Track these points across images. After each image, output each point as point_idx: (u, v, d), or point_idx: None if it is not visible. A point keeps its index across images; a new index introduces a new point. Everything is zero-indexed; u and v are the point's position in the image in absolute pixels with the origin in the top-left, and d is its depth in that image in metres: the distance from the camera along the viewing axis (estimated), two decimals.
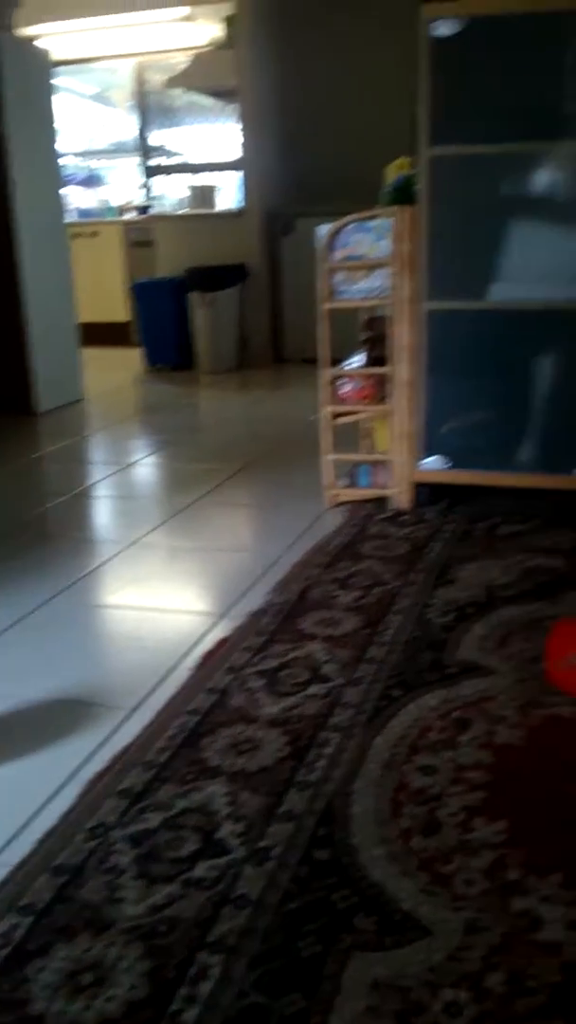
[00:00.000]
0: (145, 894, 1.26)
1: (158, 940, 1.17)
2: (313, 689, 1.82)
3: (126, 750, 1.63)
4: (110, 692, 1.87)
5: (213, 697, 1.80)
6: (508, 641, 2.00)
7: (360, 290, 2.89)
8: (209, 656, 2.00)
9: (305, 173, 6.49)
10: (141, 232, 7.38)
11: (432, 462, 2.89)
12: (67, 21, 6.94)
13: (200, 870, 1.30)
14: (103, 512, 3.22)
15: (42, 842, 1.38)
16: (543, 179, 2.63)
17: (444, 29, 2.54)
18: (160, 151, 8.03)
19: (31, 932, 1.20)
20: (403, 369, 2.84)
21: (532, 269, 2.69)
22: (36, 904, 1.25)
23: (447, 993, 1.08)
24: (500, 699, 1.75)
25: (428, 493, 2.98)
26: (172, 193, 8.02)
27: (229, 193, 7.05)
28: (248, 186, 6.17)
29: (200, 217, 6.56)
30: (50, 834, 1.40)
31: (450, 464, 2.88)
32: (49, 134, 4.93)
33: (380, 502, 3.01)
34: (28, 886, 1.28)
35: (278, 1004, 1.07)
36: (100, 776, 1.55)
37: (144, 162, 8.05)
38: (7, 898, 1.26)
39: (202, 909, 1.23)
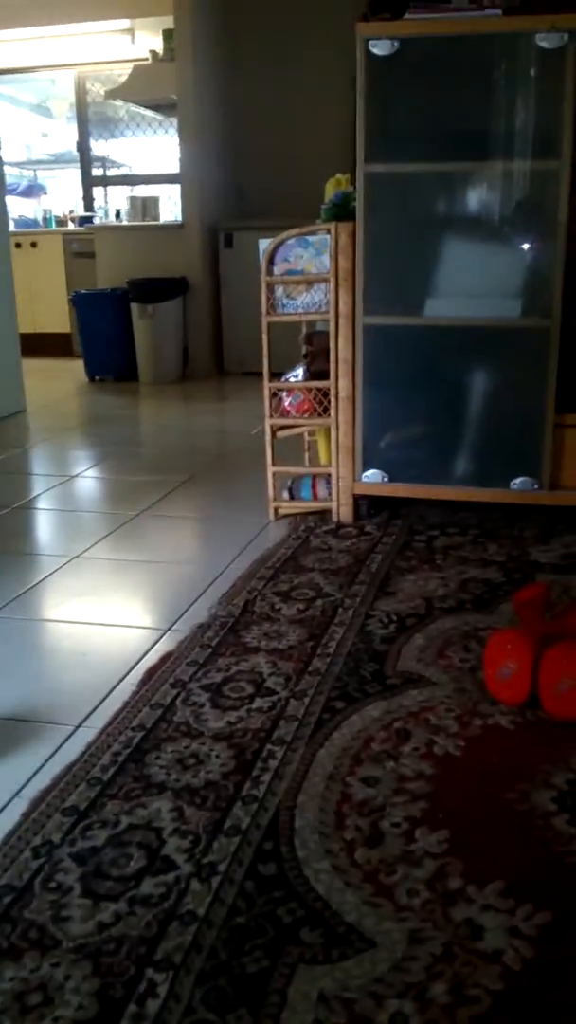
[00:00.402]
0: (91, 912, 1.26)
1: (105, 959, 1.18)
2: (258, 703, 1.83)
3: (70, 767, 1.62)
4: (53, 709, 1.86)
5: (158, 712, 1.81)
6: (447, 651, 2.04)
7: (300, 304, 2.92)
8: (153, 671, 2.00)
9: (246, 187, 6.53)
10: (82, 243, 7.35)
11: (371, 475, 2.92)
12: (7, 30, 6.89)
13: (146, 887, 1.31)
14: (45, 525, 3.20)
15: None
16: (474, 198, 2.69)
17: (380, 49, 2.59)
18: (102, 162, 8.01)
19: None
20: (343, 383, 2.87)
21: (463, 286, 2.75)
22: None
23: (392, 1004, 1.10)
24: (439, 709, 1.79)
25: (368, 505, 3.02)
26: (114, 204, 8.00)
27: (174, 205, 7.06)
28: (187, 199, 6.18)
29: (141, 229, 6.56)
30: None
31: (387, 478, 2.92)
32: None
33: (322, 515, 3.04)
34: None
35: (226, 1020, 1.08)
36: (44, 794, 1.55)
37: (85, 173, 8.02)
38: None
39: (149, 926, 1.23)
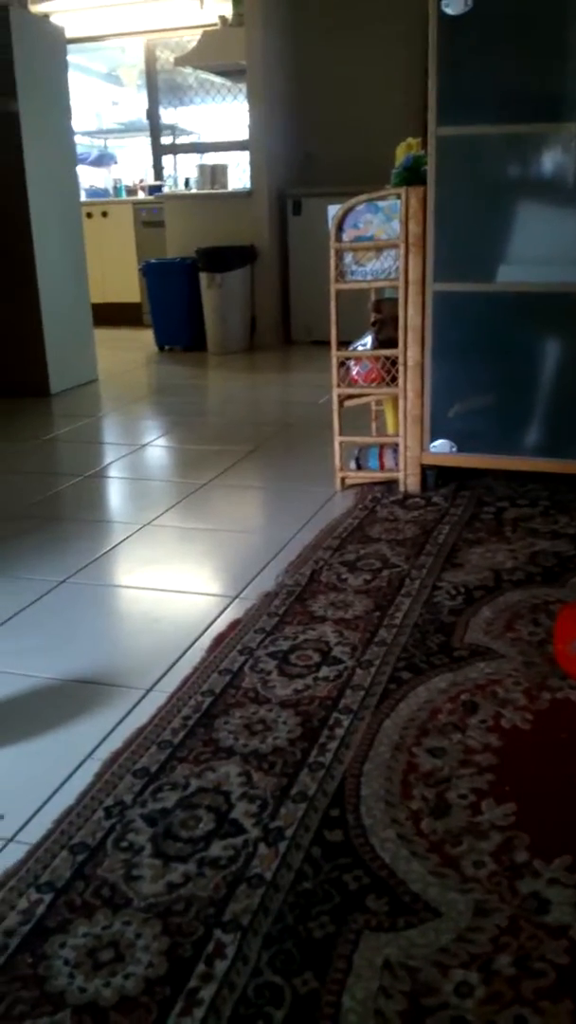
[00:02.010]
0: (162, 872, 1.29)
1: (175, 918, 1.20)
2: (324, 671, 1.84)
3: (141, 730, 1.66)
4: (125, 673, 1.90)
5: (226, 678, 1.83)
6: (515, 624, 2.02)
7: (369, 271, 2.89)
8: (222, 637, 2.02)
9: (314, 153, 6.47)
10: (152, 212, 7.37)
11: (439, 445, 2.90)
12: None
13: (215, 849, 1.33)
14: (116, 493, 3.25)
15: (60, 821, 1.41)
16: (552, 161, 2.62)
17: (452, 8, 2.53)
18: (171, 130, 8.00)
19: (51, 909, 1.23)
20: (411, 351, 2.84)
21: (539, 251, 2.69)
22: (55, 882, 1.28)
23: (457, 974, 1.10)
24: (507, 682, 1.77)
25: (436, 476, 3.00)
26: (183, 173, 8.00)
27: (242, 173, 7.03)
28: (256, 166, 6.15)
29: (209, 197, 6.54)
30: (68, 813, 1.43)
31: (455, 448, 2.89)
32: (63, 113, 4.91)
33: (389, 485, 3.03)
34: (47, 864, 1.31)
35: (292, 983, 1.10)
36: (116, 756, 1.58)
37: (154, 141, 8.02)
38: (27, 876, 1.29)
39: (217, 888, 1.25)
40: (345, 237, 2.86)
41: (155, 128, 7.98)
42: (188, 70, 7.27)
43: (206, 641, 2.02)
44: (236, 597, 2.26)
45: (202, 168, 6.95)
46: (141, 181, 8.22)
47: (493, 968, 1.11)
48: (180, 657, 1.96)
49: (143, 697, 1.80)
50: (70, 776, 1.55)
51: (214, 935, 1.17)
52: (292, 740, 1.60)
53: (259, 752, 1.57)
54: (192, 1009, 1.07)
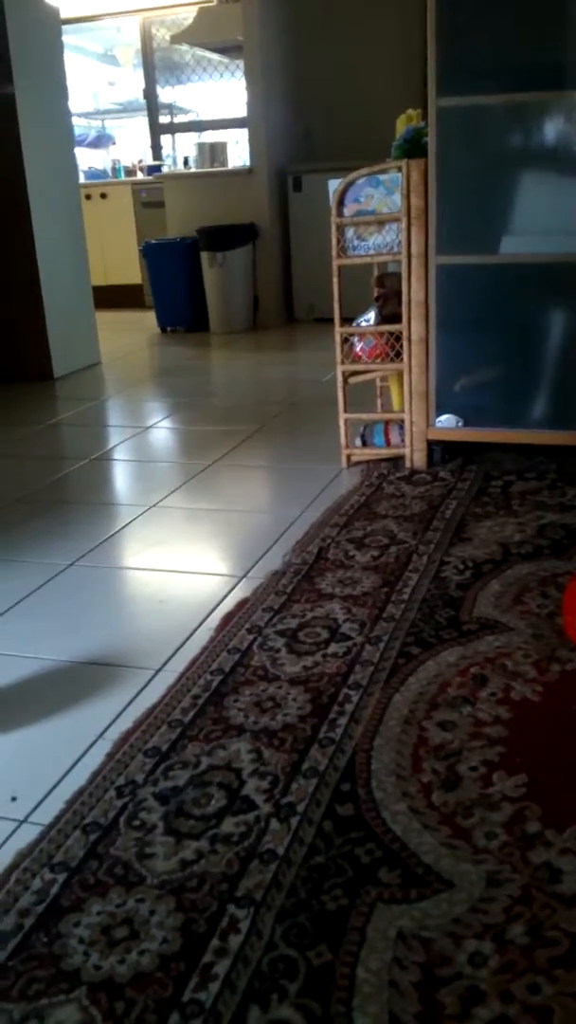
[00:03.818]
0: (174, 850, 1.29)
1: (188, 895, 1.21)
2: (333, 648, 1.84)
3: (152, 710, 1.66)
4: (134, 653, 1.90)
5: (235, 657, 1.83)
6: (524, 598, 2.01)
7: (371, 246, 2.87)
8: (230, 616, 2.02)
9: (314, 128, 6.42)
10: (152, 192, 7.33)
11: (445, 420, 2.88)
12: None
13: (227, 826, 1.33)
14: (122, 476, 3.24)
15: (72, 801, 1.42)
16: (554, 130, 2.60)
17: None
18: (169, 109, 7.94)
19: (65, 888, 1.23)
20: (415, 326, 2.83)
21: (542, 222, 2.67)
22: (69, 861, 1.29)
23: (471, 944, 1.11)
24: (517, 655, 1.77)
25: (442, 451, 2.99)
26: (182, 152, 7.95)
27: (242, 151, 6.98)
28: (255, 143, 6.10)
29: (209, 176, 6.50)
30: (80, 793, 1.44)
31: (461, 423, 2.87)
32: (60, 94, 4.88)
33: (395, 461, 3.02)
34: (60, 844, 1.32)
35: (306, 956, 1.10)
36: (127, 736, 1.59)
37: (152, 121, 7.97)
38: (41, 856, 1.30)
39: (230, 864, 1.26)
40: (346, 212, 2.84)
41: (153, 107, 7.92)
42: (185, 48, 7.22)
43: (214, 621, 2.02)
44: (244, 576, 2.26)
45: (201, 147, 6.90)
46: (140, 161, 8.17)
47: (506, 938, 1.11)
48: (189, 637, 1.96)
49: (153, 677, 1.80)
50: (81, 757, 1.55)
51: (228, 910, 1.18)
52: (302, 716, 1.61)
53: (269, 729, 1.57)
54: (207, 984, 1.07)
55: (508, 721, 1.56)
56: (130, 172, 8.12)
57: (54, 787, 1.47)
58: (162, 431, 3.80)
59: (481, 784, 1.40)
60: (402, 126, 2.93)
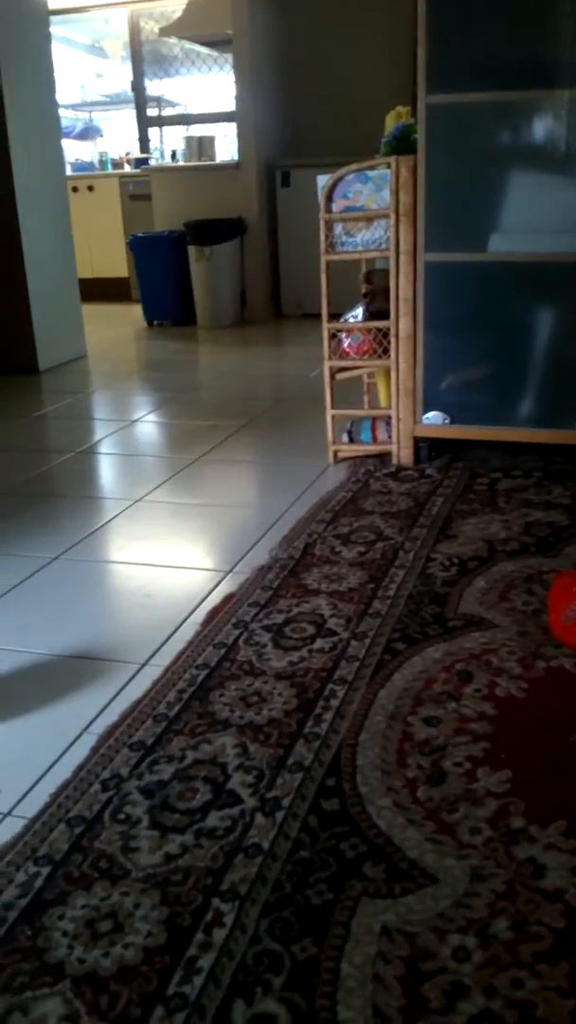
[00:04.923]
0: (159, 844, 1.29)
1: (173, 888, 1.21)
2: (319, 643, 1.84)
3: (137, 704, 1.66)
4: (120, 647, 1.90)
5: (221, 651, 1.83)
6: (509, 594, 2.02)
7: (359, 242, 2.87)
8: (216, 611, 2.02)
9: (303, 123, 6.41)
10: (138, 185, 7.30)
11: (432, 417, 2.89)
12: None
13: (212, 820, 1.33)
14: (107, 469, 3.23)
15: (57, 795, 1.42)
16: (543, 128, 2.60)
17: None
18: (157, 102, 7.91)
19: (49, 881, 1.23)
20: (403, 323, 2.83)
21: (531, 220, 2.67)
22: (53, 855, 1.28)
23: (454, 938, 1.11)
24: (502, 652, 1.78)
25: (429, 448, 2.99)
26: (170, 145, 7.92)
27: (230, 145, 6.97)
28: (243, 137, 6.08)
29: (197, 169, 6.48)
30: (65, 787, 1.43)
31: (448, 420, 2.88)
32: (47, 86, 4.85)
33: (382, 458, 3.02)
34: (45, 837, 1.32)
35: (291, 950, 1.10)
36: (112, 729, 1.58)
37: (140, 113, 7.94)
38: (25, 849, 1.30)
39: (215, 858, 1.26)
40: (335, 207, 2.84)
41: (140, 100, 7.89)
42: (173, 40, 7.19)
43: (200, 615, 2.02)
44: (230, 571, 2.25)
45: (189, 140, 6.88)
46: (127, 154, 8.14)
47: (490, 932, 1.12)
48: (174, 631, 1.95)
49: (138, 671, 1.80)
50: (66, 750, 1.55)
51: (212, 904, 1.18)
52: (288, 711, 1.61)
53: (255, 723, 1.57)
54: (192, 977, 1.07)
55: (493, 717, 1.56)
56: (117, 165, 8.09)
57: (38, 780, 1.47)
58: (148, 425, 3.79)
59: (466, 780, 1.40)
60: (391, 123, 2.93)
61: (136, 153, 8.03)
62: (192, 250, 6.06)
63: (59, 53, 7.00)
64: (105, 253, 7.60)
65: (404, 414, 2.92)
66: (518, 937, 1.11)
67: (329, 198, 2.83)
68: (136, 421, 3.84)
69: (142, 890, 1.21)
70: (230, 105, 6.38)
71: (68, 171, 6.15)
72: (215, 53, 7.25)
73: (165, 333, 6.18)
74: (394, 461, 2.98)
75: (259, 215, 6.17)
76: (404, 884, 1.20)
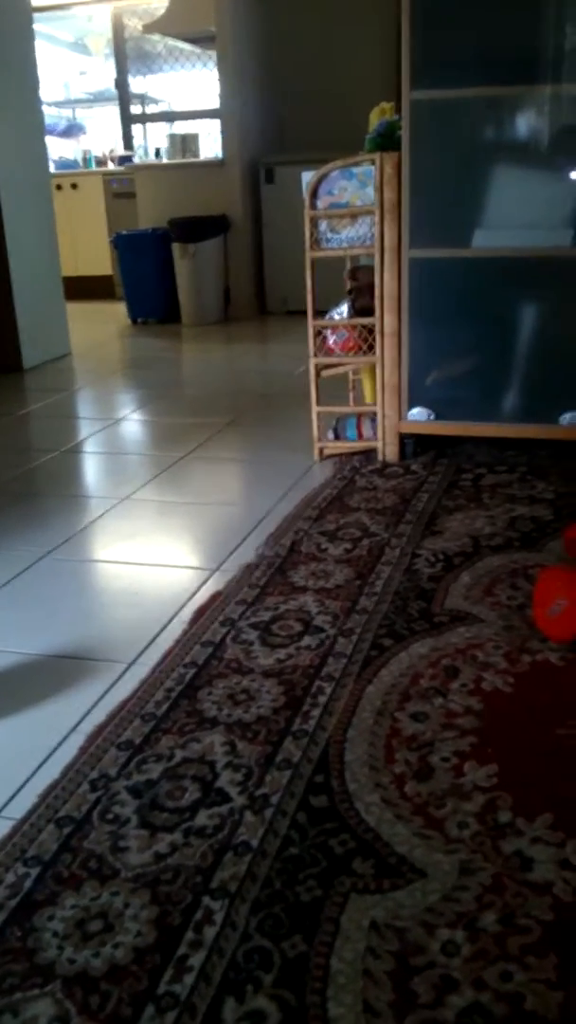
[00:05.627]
0: (148, 843, 1.29)
1: (163, 887, 1.21)
2: (306, 640, 1.85)
3: (125, 703, 1.66)
4: (107, 647, 1.90)
5: (208, 650, 1.83)
6: (494, 589, 2.03)
7: (344, 238, 2.87)
8: (203, 610, 2.02)
9: (287, 120, 6.40)
10: (122, 183, 7.28)
11: (417, 413, 2.90)
12: None
13: (201, 818, 1.34)
14: (92, 468, 3.23)
15: (45, 795, 1.41)
16: (526, 124, 2.61)
17: None
18: (140, 99, 7.88)
19: (38, 882, 1.23)
20: (388, 319, 2.83)
21: (515, 216, 2.68)
22: (42, 855, 1.28)
23: (443, 933, 1.12)
24: (488, 646, 1.79)
25: (414, 444, 3.00)
26: (154, 142, 7.90)
27: (213, 142, 6.95)
28: (227, 134, 6.08)
29: (181, 167, 6.47)
30: (53, 787, 1.43)
31: (433, 416, 2.89)
32: (30, 83, 4.83)
33: (367, 454, 3.03)
34: (34, 838, 1.32)
35: (281, 947, 1.11)
36: (100, 729, 1.58)
37: (124, 111, 7.91)
38: (13, 850, 1.29)
39: (204, 856, 1.26)
40: (320, 204, 2.84)
41: (124, 97, 7.86)
42: (157, 38, 7.17)
43: (187, 614, 2.02)
44: (216, 569, 2.26)
45: (173, 137, 6.86)
46: (111, 151, 8.11)
47: (479, 926, 1.12)
48: (162, 630, 1.95)
49: (125, 671, 1.80)
50: (54, 750, 1.54)
51: (202, 902, 1.18)
52: (276, 709, 1.61)
53: (243, 721, 1.58)
54: (182, 976, 1.08)
55: (479, 712, 1.57)
56: (101, 162, 8.06)
57: (27, 781, 1.46)
58: (133, 423, 3.78)
59: (453, 774, 1.41)
60: (376, 119, 2.93)
61: (120, 151, 8.01)
62: (176, 247, 6.05)
63: (42, 50, 6.96)
64: (89, 251, 7.58)
65: (389, 410, 2.93)
66: (506, 930, 1.11)
67: (314, 195, 2.83)
68: (121, 419, 3.83)
69: (132, 890, 1.21)
70: (214, 102, 6.37)
71: (52, 169, 6.12)
72: (199, 50, 7.24)
73: (149, 331, 6.17)
74: (380, 457, 2.98)
75: (243, 212, 6.17)
76: (393, 879, 1.20)
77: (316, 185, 2.82)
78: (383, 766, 1.44)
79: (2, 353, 4.81)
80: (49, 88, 8.05)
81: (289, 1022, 1.01)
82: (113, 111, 8.05)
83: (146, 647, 1.88)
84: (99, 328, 6.33)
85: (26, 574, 2.28)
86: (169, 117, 7.90)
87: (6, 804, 1.41)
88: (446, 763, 1.44)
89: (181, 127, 7.53)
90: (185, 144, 6.77)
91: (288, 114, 6.38)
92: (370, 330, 2.90)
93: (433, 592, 2.03)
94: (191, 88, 7.74)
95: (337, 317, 3.00)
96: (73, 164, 8.18)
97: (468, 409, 2.87)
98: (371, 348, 2.92)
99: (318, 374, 3.03)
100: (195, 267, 6.04)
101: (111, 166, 7.83)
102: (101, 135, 8.47)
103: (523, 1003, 1.02)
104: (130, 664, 1.82)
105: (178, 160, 6.66)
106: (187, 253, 6.00)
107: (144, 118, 7.95)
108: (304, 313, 3.00)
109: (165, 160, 6.96)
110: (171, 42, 7.23)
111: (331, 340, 3.01)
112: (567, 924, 1.12)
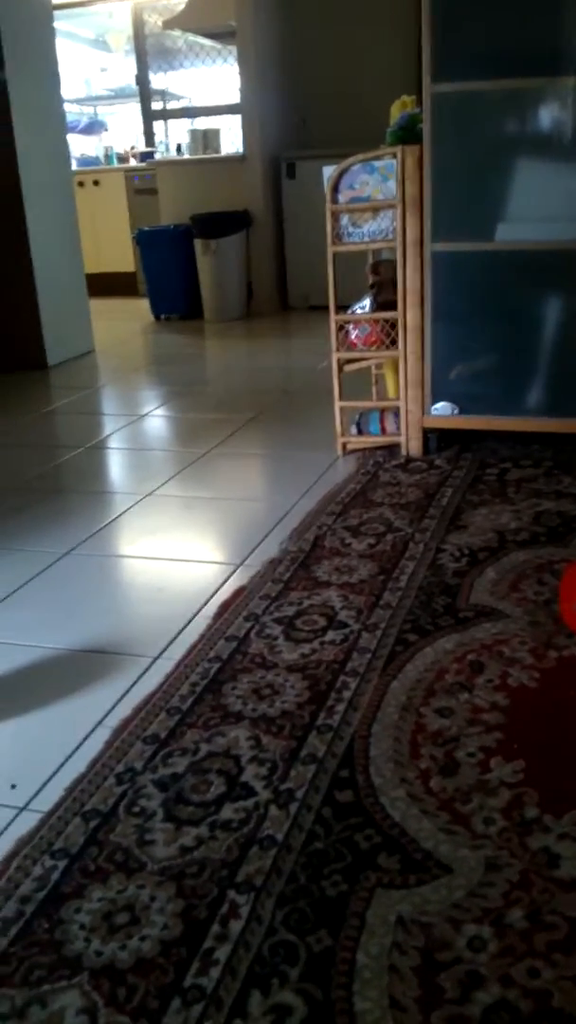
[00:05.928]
0: (174, 836, 1.30)
1: (189, 881, 1.21)
2: (330, 635, 1.85)
3: (150, 698, 1.66)
4: (132, 641, 1.90)
5: (233, 644, 1.84)
6: (520, 585, 2.02)
7: (366, 232, 2.86)
8: (227, 604, 2.02)
9: (308, 115, 6.38)
10: (144, 179, 7.29)
11: (441, 408, 2.88)
12: None
13: (227, 812, 1.34)
14: (117, 464, 3.24)
15: (72, 789, 1.42)
16: (549, 116, 2.59)
17: None
18: (161, 95, 7.89)
19: (65, 875, 1.24)
20: (411, 314, 2.82)
21: (539, 209, 2.66)
22: (69, 848, 1.29)
23: (470, 928, 1.11)
24: (514, 642, 1.78)
25: (438, 439, 2.99)
26: (175, 139, 7.91)
27: (235, 137, 6.95)
28: (248, 130, 6.07)
29: (202, 162, 6.47)
30: (80, 781, 1.44)
31: (457, 410, 2.87)
32: (52, 81, 4.84)
33: (391, 449, 3.02)
34: (60, 831, 1.32)
35: (306, 941, 1.11)
36: (126, 723, 1.59)
37: (145, 107, 7.92)
38: (41, 843, 1.30)
39: (230, 850, 1.26)
40: (341, 198, 2.83)
41: (145, 94, 7.87)
42: (177, 33, 7.17)
43: (212, 609, 2.02)
44: (240, 564, 2.26)
45: (194, 133, 6.86)
46: (132, 148, 8.12)
47: (505, 922, 1.12)
48: (186, 625, 1.96)
49: (151, 665, 1.80)
50: (81, 744, 1.55)
51: (228, 896, 1.19)
52: (300, 703, 1.61)
53: (267, 716, 1.58)
54: (208, 969, 1.08)
55: (505, 707, 1.57)
56: (123, 159, 8.08)
57: (53, 774, 1.47)
58: (157, 419, 3.79)
59: (479, 770, 1.40)
60: (397, 112, 2.92)
61: (141, 147, 8.02)
62: (198, 243, 6.05)
63: (63, 48, 6.99)
64: (111, 248, 7.59)
65: (412, 405, 2.92)
66: (533, 927, 1.11)
67: (335, 189, 2.82)
68: (145, 415, 3.84)
69: (158, 883, 1.22)
70: (235, 97, 6.36)
71: (74, 166, 6.15)
72: (219, 45, 7.23)
73: (172, 327, 6.18)
74: (403, 452, 2.97)
75: (265, 207, 6.16)
76: (419, 875, 1.20)
77: (337, 179, 2.81)
78: (408, 761, 1.43)
79: (26, 351, 4.84)
80: (70, 85, 8.07)
81: (315, 1016, 1.01)
82: (134, 107, 8.06)
83: (171, 642, 1.89)
84: (122, 325, 6.35)
85: (52, 569, 2.29)
86: (190, 113, 7.90)
87: (33, 797, 1.42)
88: (472, 759, 1.43)
89: (202, 123, 7.53)
90: (206, 140, 6.77)
91: (309, 108, 6.36)
92: (392, 324, 2.89)
93: (458, 587, 2.03)
94: (211, 83, 7.73)
95: (360, 312, 2.99)
96: (95, 161, 8.20)
97: (492, 403, 2.86)
98: (394, 342, 2.91)
99: (341, 369, 3.02)
100: (217, 263, 6.04)
101: (133, 163, 7.84)
102: (122, 132, 8.49)
103: (550, 1000, 1.01)
104: (155, 659, 1.83)
105: (199, 156, 6.66)
106: (209, 249, 6.00)
107: (165, 114, 7.96)
108: (326, 309, 2.99)
109: (186, 156, 6.96)
110: (191, 37, 7.23)
111: (353, 335, 3.00)
112: None
